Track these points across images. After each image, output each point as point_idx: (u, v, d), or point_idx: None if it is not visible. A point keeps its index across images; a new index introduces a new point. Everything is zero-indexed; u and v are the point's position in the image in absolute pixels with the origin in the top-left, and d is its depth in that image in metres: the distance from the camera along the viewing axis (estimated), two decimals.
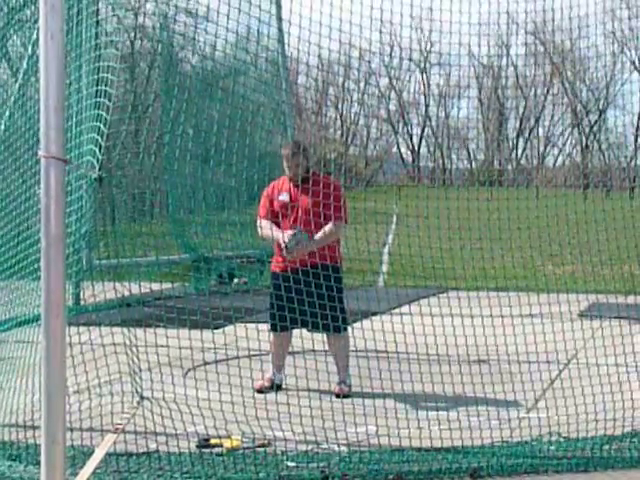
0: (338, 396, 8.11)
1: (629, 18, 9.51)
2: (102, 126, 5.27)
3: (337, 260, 8.41)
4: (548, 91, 49.59)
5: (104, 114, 5.33)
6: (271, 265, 8.72)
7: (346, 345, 8.50)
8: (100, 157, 5.25)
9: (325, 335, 8.52)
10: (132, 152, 15.37)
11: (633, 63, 48.41)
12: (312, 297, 7.92)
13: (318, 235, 8.26)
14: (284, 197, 8.51)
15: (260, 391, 8.18)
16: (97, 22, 6.42)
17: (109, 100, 5.36)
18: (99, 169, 5.23)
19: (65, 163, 4.48)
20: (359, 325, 7.71)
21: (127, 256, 9.84)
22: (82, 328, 6.71)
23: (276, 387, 8.35)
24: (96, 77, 5.83)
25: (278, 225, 8.48)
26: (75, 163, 5.60)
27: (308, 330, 8.52)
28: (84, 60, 6.44)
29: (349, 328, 8.36)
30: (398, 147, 58.87)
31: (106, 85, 5.50)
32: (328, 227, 8.25)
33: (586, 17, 7.95)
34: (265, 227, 8.55)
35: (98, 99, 5.53)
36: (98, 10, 6.72)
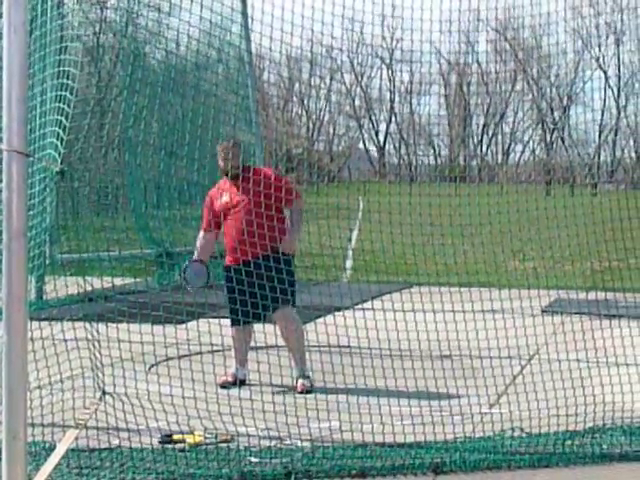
0: (301, 392, 8.10)
1: (592, 16, 9.58)
2: (64, 119, 5.24)
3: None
4: (513, 88, 49.79)
5: (66, 107, 5.29)
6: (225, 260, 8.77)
7: (297, 332, 8.45)
8: (62, 150, 5.22)
9: (276, 325, 8.48)
10: (95, 146, 15.29)
11: (597, 61, 48.74)
12: (264, 286, 7.94)
13: (293, 230, 8.37)
14: (225, 198, 8.59)
15: (223, 386, 8.16)
16: (60, 14, 6.37)
17: (71, 93, 5.33)
18: (61, 162, 5.20)
19: (27, 157, 4.45)
20: (322, 320, 7.71)
21: (90, 250, 9.78)
22: (44, 323, 6.67)
23: (239, 382, 8.35)
24: (59, 70, 5.79)
25: (218, 227, 8.66)
26: (37, 155, 5.57)
27: (265, 321, 8.49)
28: (48, 51, 6.39)
29: (313, 324, 8.35)
30: (364, 143, 59.02)
31: (69, 78, 5.47)
32: (293, 214, 8.39)
33: (549, 14, 7.99)
34: (198, 239, 8.86)
35: (61, 92, 5.50)
36: (63, 2, 6.67)
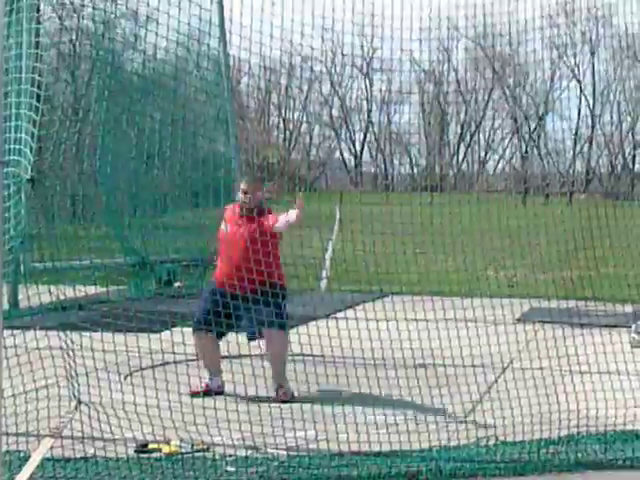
0: (276, 402, 8.04)
1: (567, 25, 9.63)
2: (32, 127, 5.23)
3: (281, 280, 8.37)
4: (489, 97, 50.01)
5: (34, 115, 5.28)
6: (215, 272, 8.62)
7: (283, 349, 8.39)
8: (32, 158, 5.21)
9: (263, 337, 8.40)
10: (68, 154, 15.24)
11: (572, 71, 49.01)
12: (250, 315, 7.94)
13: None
14: (224, 227, 8.47)
15: (193, 395, 8.03)
16: (36, 17, 6.36)
17: (38, 101, 5.32)
18: (32, 170, 5.19)
19: (3, 165, 4.43)
20: (297, 330, 7.70)
21: (63, 259, 9.74)
22: (16, 331, 6.63)
23: (214, 393, 8.21)
24: (32, 77, 5.77)
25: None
26: (7, 158, 5.54)
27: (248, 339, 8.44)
28: (22, 53, 6.36)
29: (289, 333, 8.32)
30: (341, 152, 59.06)
31: (39, 87, 5.46)
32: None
33: (525, 22, 8.02)
34: None
35: (31, 100, 5.48)
36: (39, 8, 6.65)
